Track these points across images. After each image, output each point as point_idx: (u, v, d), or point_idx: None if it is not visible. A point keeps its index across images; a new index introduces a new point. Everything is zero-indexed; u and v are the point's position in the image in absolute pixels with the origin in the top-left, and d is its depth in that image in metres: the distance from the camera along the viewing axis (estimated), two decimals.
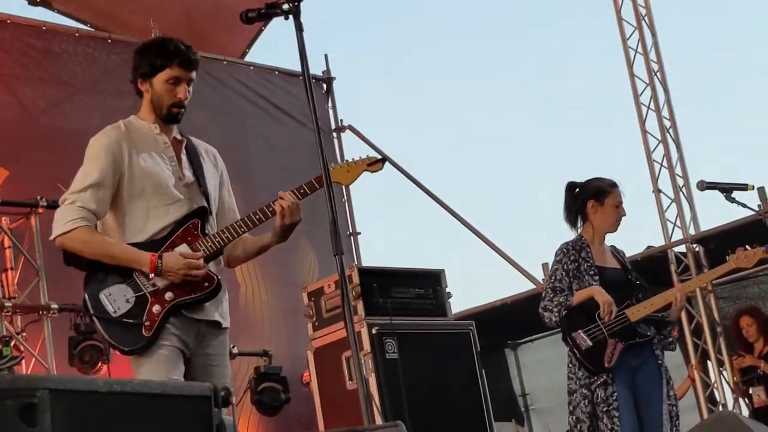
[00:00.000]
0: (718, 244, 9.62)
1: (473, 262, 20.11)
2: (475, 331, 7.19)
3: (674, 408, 6.15)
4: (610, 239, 6.46)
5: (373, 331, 6.60)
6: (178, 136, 4.60)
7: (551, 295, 6.15)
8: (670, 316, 6.29)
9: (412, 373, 6.68)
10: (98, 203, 4.33)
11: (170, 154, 4.50)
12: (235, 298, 10.16)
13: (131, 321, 4.23)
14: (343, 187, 12.00)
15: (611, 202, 6.32)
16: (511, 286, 14.35)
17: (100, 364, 8.47)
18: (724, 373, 10.20)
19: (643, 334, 6.16)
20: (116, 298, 4.27)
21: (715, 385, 10.20)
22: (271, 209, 4.44)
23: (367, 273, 6.90)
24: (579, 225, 6.40)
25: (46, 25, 10.19)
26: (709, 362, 10.47)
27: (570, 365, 6.16)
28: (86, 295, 4.32)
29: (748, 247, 6.20)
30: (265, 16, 4.06)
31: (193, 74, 4.50)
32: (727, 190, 6.26)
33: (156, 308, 4.27)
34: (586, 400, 6.03)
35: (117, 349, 4.30)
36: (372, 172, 4.71)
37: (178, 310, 4.31)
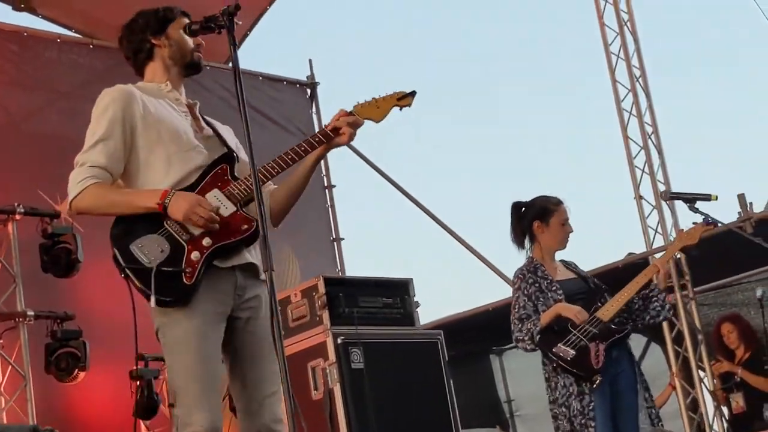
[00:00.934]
0: (700, 251, 9.59)
1: (459, 268, 20.14)
2: (443, 340, 7.17)
3: (653, 410, 6.20)
4: (560, 254, 6.50)
5: (339, 341, 6.59)
6: (190, 100, 4.41)
7: (519, 325, 6.21)
8: (659, 286, 6.31)
9: (379, 382, 6.66)
10: (109, 157, 4.09)
11: (184, 109, 4.31)
12: None
13: (170, 269, 3.95)
14: (326, 191, 12.04)
15: (556, 221, 6.37)
16: (496, 292, 14.35)
17: (76, 371, 8.48)
18: (705, 380, 10.18)
19: (620, 330, 6.18)
20: (149, 249, 3.98)
21: (696, 392, 10.16)
22: (290, 155, 4.18)
23: (332, 282, 6.87)
24: (527, 246, 6.44)
25: (27, 31, 10.17)
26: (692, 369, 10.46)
27: (548, 389, 6.19)
28: (115, 249, 4.00)
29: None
30: (205, 29, 4.04)
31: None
32: (690, 200, 6.30)
33: (195, 255, 3.99)
34: (566, 419, 6.06)
35: (156, 301, 3.93)
36: (402, 107, 4.35)
37: (211, 262, 4.03)
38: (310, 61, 12.44)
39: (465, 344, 12.86)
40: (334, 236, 11.96)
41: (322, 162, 12.03)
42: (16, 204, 8.50)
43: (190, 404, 3.98)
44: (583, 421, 5.96)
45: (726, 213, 9.63)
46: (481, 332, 12.06)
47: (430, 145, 20.38)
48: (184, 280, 3.95)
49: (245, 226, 4.09)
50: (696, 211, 6.33)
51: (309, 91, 12.36)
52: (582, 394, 6.00)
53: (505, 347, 13.65)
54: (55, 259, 8.46)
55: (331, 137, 4.25)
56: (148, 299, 3.95)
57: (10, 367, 8.43)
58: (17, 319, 8.47)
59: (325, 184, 12.08)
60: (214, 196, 4.11)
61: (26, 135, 9.69)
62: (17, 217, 8.54)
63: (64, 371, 8.46)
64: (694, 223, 6.39)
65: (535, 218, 6.36)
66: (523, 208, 6.45)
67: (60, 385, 8.59)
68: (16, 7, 11.13)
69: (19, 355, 8.45)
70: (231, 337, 4.16)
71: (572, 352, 6.05)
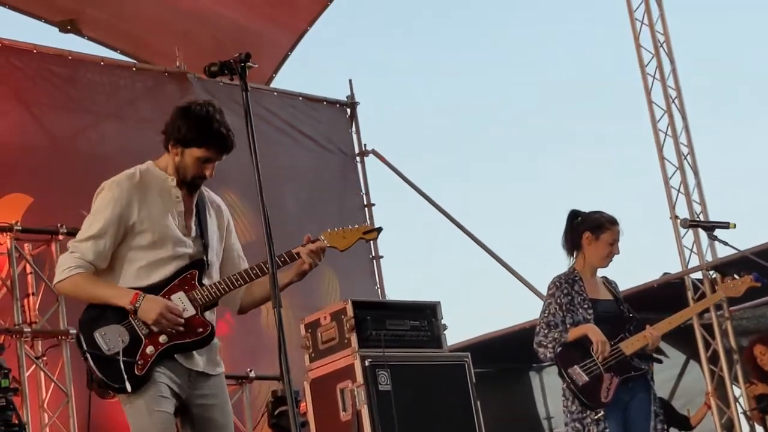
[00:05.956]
0: (735, 271, 9.58)
1: (496, 286, 20.15)
2: (470, 362, 7.21)
3: None
4: (603, 270, 6.52)
5: (366, 363, 6.67)
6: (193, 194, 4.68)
7: (545, 331, 6.22)
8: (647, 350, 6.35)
9: (406, 404, 6.72)
10: (96, 255, 4.44)
11: (180, 208, 4.57)
12: (257, 323, 10.29)
13: (124, 359, 4.33)
14: (366, 210, 12.13)
15: (606, 238, 6.36)
16: (536, 309, 14.34)
17: None
18: (740, 400, 10.15)
19: (638, 368, 6.22)
20: (110, 338, 4.37)
21: (731, 412, 10.14)
22: (255, 271, 4.51)
23: (361, 306, 6.95)
24: (574, 254, 6.47)
25: (72, 54, 10.37)
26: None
27: (563, 398, 6.25)
28: (80, 333, 4.44)
29: (736, 276, 6.26)
30: (222, 71, 4.20)
31: (224, 156, 4.57)
32: (709, 228, 6.31)
33: (149, 349, 4.37)
34: None
35: (108, 387, 4.43)
36: (367, 240, 4.77)
37: (170, 354, 4.42)
38: (350, 81, 12.61)
39: (504, 361, 12.88)
40: (373, 254, 12.07)
41: (361, 180, 12.23)
42: (59, 224, 8.69)
43: None
44: None
45: (762, 232, 9.63)
46: (520, 349, 12.04)
47: (470, 173, 20.43)
48: (136, 370, 4.36)
49: (200, 329, 4.49)
50: (715, 239, 6.34)
51: (349, 110, 12.50)
52: (598, 422, 6.04)
53: (546, 364, 13.63)
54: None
55: (295, 259, 4.57)
56: (88, 385, 4.48)
57: (53, 384, 8.60)
58: (60, 337, 8.66)
59: (365, 203, 12.22)
60: (179, 298, 4.48)
61: (69, 156, 9.89)
62: (60, 237, 8.73)
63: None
64: (740, 275, 6.36)
65: (587, 229, 6.40)
66: (579, 218, 6.49)
67: (101, 401, 8.72)
68: (63, 29, 11.37)
69: (61, 373, 8.63)
70: (191, 423, 4.57)
71: (586, 378, 6.10)
